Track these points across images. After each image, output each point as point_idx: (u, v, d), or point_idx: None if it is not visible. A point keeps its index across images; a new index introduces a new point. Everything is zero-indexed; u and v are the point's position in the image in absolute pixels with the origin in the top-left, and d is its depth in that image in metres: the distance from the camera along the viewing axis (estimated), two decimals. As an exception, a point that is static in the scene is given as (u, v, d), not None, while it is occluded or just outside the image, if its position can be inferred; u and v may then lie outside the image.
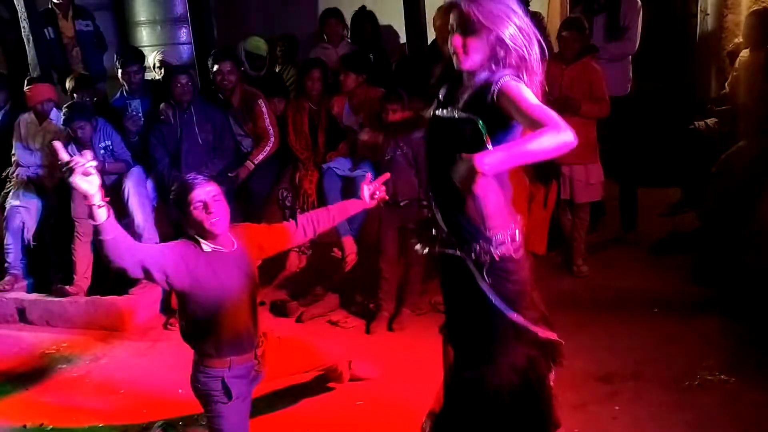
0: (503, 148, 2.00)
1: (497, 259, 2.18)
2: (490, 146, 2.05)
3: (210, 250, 2.73)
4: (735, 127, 4.74)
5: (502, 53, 2.08)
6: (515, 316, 2.20)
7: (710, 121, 5.09)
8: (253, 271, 2.88)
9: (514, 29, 2.08)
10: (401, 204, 4.33)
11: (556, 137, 1.88)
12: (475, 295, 2.21)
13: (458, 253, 2.22)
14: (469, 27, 2.09)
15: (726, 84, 5.14)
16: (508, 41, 2.07)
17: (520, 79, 2.09)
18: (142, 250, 2.67)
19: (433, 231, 2.30)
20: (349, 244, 4.54)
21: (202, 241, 2.73)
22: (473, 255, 2.19)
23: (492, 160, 1.88)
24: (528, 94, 2.04)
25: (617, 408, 3.17)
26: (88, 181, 2.33)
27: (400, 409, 3.28)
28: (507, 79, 2.06)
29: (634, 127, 4.91)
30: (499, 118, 2.08)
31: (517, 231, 2.23)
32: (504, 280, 2.20)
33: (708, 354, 3.57)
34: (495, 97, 2.05)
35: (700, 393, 3.25)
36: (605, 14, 4.88)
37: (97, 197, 2.36)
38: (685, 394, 3.25)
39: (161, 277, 2.64)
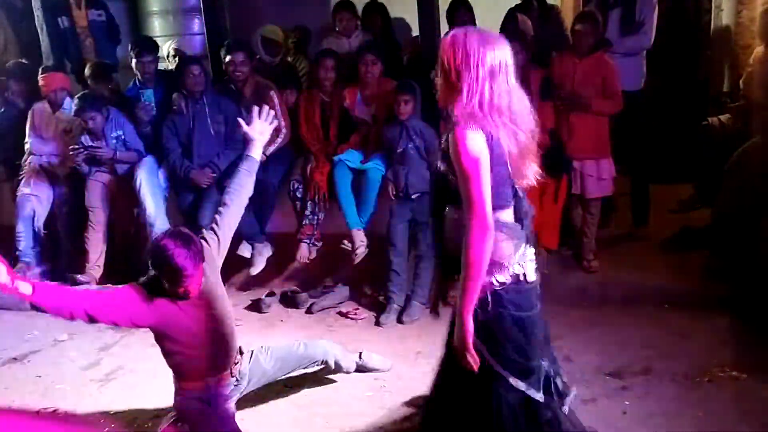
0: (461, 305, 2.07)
1: (496, 286, 2.14)
2: None
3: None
4: (749, 124, 4.71)
5: (465, 99, 2.04)
6: (493, 362, 2.16)
7: (724, 117, 5.06)
8: (218, 298, 2.88)
9: (482, 74, 2.02)
10: (412, 197, 4.33)
11: (477, 244, 2.00)
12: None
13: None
14: (441, 67, 2.09)
15: (740, 80, 5.11)
16: (468, 87, 2.03)
17: (480, 127, 2.03)
18: (90, 299, 2.70)
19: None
20: (359, 236, 4.54)
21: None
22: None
23: (462, 324, 2.05)
24: (469, 153, 2.00)
25: (627, 403, 3.17)
26: None
27: (409, 400, 3.30)
28: (457, 129, 2.03)
29: (646, 123, 4.88)
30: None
31: (522, 271, 2.18)
32: (494, 318, 2.15)
33: (718, 350, 3.57)
34: (446, 147, 2.06)
35: (711, 389, 3.25)
36: (620, 8, 4.85)
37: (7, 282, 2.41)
38: (696, 390, 3.25)
39: (123, 320, 2.73)
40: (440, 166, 2.15)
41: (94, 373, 3.87)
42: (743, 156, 4.38)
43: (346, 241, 4.58)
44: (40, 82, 5.10)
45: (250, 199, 4.65)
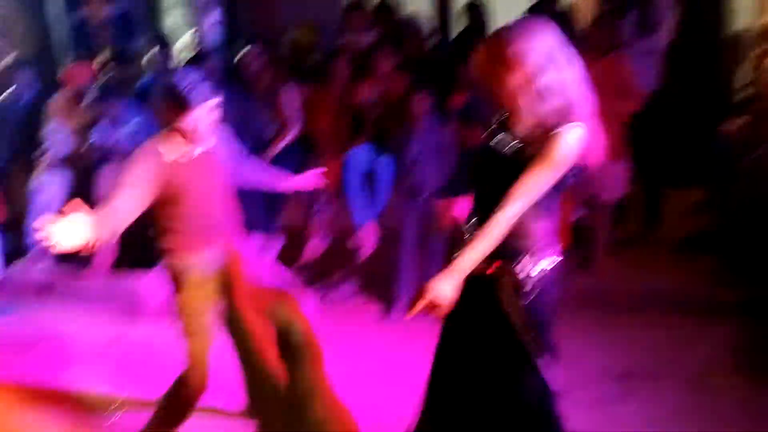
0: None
1: (533, 278, 2.11)
2: None
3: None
4: (763, 129, 4.67)
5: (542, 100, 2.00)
6: (532, 348, 2.13)
7: (741, 121, 5.02)
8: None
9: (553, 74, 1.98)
10: (423, 194, 4.33)
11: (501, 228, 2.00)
12: (491, 322, 2.15)
13: (492, 269, 2.12)
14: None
15: (757, 85, 5.07)
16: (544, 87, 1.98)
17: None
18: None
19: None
20: (368, 231, 4.54)
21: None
22: (511, 272, 2.10)
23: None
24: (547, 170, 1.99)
25: (634, 407, 3.16)
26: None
27: (417, 394, 3.29)
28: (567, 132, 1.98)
29: (660, 125, 4.85)
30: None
31: (557, 260, 2.17)
32: (533, 303, 2.12)
33: (727, 355, 3.55)
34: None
35: (718, 394, 3.23)
36: (637, 9, 4.83)
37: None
38: (703, 395, 3.23)
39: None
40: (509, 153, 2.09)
41: (100, 365, 3.90)
42: (758, 160, 4.34)
43: (355, 237, 4.59)
44: (66, 73, 5.12)
45: (262, 192, 4.68)
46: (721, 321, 3.85)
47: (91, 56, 5.45)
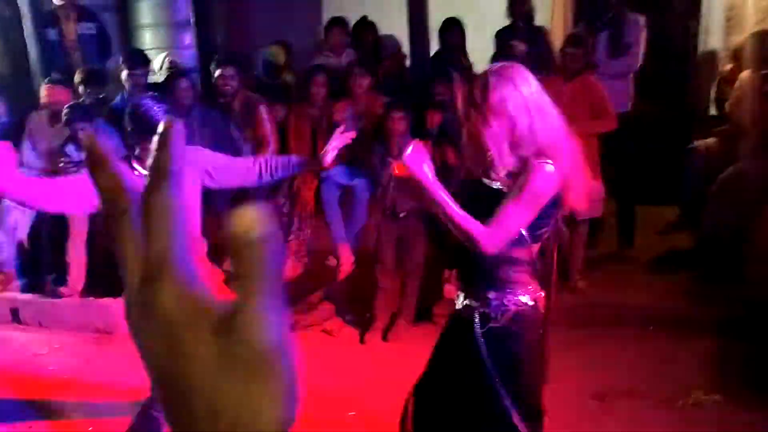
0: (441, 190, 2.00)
1: (511, 313, 2.06)
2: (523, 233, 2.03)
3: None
4: (734, 148, 4.75)
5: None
6: (507, 402, 2.06)
7: (710, 140, 5.10)
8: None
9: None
10: (400, 215, 4.32)
11: (475, 236, 1.96)
12: (472, 364, 2.09)
13: (471, 304, 2.10)
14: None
15: (726, 104, 5.16)
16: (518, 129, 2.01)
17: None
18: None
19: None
20: (345, 252, 4.53)
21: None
22: (486, 307, 2.08)
23: (422, 172, 1.96)
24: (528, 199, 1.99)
25: (612, 425, 3.16)
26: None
27: (393, 421, 3.26)
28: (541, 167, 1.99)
29: (633, 145, 4.91)
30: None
31: (540, 298, 2.13)
32: (509, 342, 2.08)
33: (703, 373, 3.56)
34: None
35: (694, 412, 3.24)
36: (608, 31, 4.90)
37: None
38: (680, 413, 3.24)
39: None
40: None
41: (74, 388, 3.81)
42: (728, 179, 4.41)
43: (332, 258, 4.56)
44: (43, 92, 5.06)
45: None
46: (697, 339, 3.88)
47: (64, 77, 5.39)
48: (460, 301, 2.15)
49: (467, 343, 2.09)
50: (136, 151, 2.64)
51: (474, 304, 2.10)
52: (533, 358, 2.13)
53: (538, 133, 2.00)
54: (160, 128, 0.49)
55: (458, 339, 2.16)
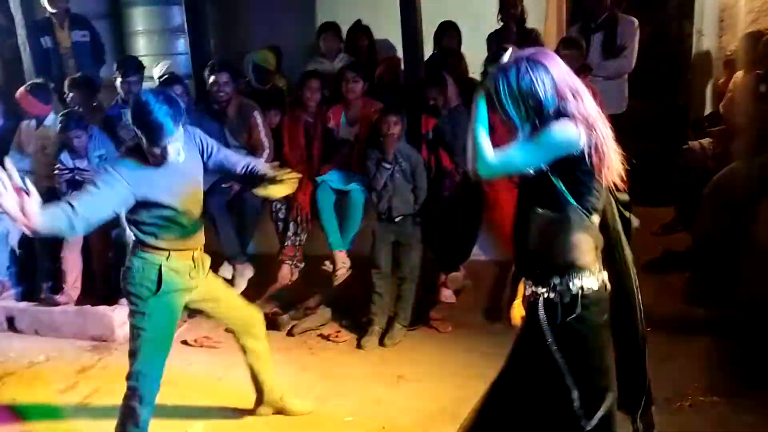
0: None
1: (575, 296, 2.09)
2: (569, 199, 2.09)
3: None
4: (728, 148, 4.76)
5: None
6: (567, 374, 2.10)
7: (705, 141, 5.11)
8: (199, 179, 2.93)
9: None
10: (396, 220, 4.32)
11: (478, 153, 2.07)
12: (539, 348, 2.13)
13: (536, 290, 2.15)
14: None
15: (720, 105, 5.17)
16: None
17: None
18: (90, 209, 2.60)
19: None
20: (341, 257, 4.52)
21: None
22: (551, 292, 2.11)
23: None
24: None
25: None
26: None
27: (389, 425, 3.26)
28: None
29: (627, 146, 4.91)
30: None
31: (603, 277, 2.16)
32: (572, 326, 2.10)
33: (699, 375, 3.56)
34: None
35: (691, 414, 3.24)
36: (602, 32, 4.92)
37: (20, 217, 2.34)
38: (676, 415, 3.23)
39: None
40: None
41: (70, 396, 3.81)
42: (723, 180, 4.41)
43: (328, 263, 4.56)
44: (17, 96, 5.06)
45: (232, 219, 4.63)
46: (693, 340, 3.88)
47: (58, 84, 5.39)
48: (529, 290, 2.19)
49: (534, 329, 2.14)
50: (145, 144, 2.66)
51: (540, 290, 2.14)
52: (599, 342, 2.15)
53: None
54: None
55: (527, 326, 2.21)
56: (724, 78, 5.37)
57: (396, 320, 4.29)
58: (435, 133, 4.57)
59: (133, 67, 5.11)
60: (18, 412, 3.64)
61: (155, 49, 6.25)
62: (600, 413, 2.15)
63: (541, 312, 2.12)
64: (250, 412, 3.40)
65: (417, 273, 4.34)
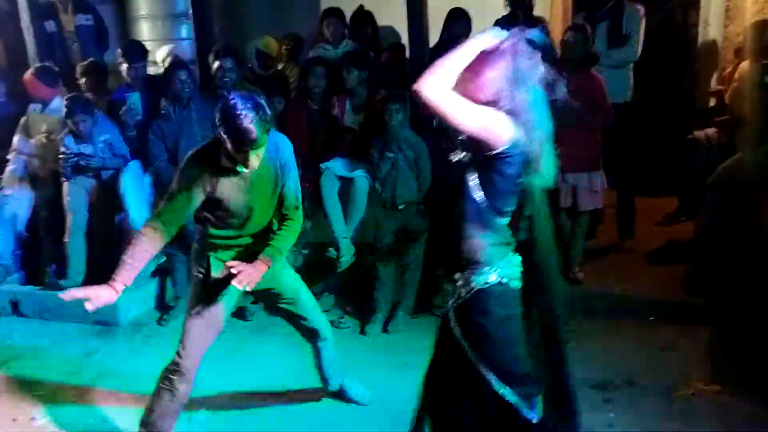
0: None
1: (476, 290, 2.15)
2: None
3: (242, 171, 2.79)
4: (733, 138, 4.75)
5: None
6: (477, 360, 2.16)
7: (710, 131, 5.10)
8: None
9: None
10: (399, 207, 4.33)
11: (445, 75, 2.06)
12: (451, 342, 2.21)
13: (447, 287, 2.25)
14: None
15: (726, 95, 5.16)
16: None
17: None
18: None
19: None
20: (345, 244, 4.53)
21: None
22: (456, 288, 2.19)
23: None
24: None
25: (611, 415, 3.18)
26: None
27: (393, 410, 3.28)
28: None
29: (632, 135, 4.91)
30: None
31: (509, 272, 2.19)
32: (473, 316, 2.17)
33: (702, 364, 3.58)
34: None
35: (694, 402, 3.26)
36: (608, 21, 4.89)
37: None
38: (679, 403, 3.25)
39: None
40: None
41: (76, 379, 3.82)
42: (728, 170, 4.41)
43: (332, 249, 4.56)
44: (28, 86, 5.05)
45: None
46: (696, 329, 3.90)
47: (61, 68, 5.38)
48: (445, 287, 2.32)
49: (447, 323, 2.23)
50: (228, 147, 2.69)
51: (449, 287, 2.24)
52: (506, 333, 2.18)
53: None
54: None
55: (443, 321, 2.30)
56: (730, 68, 5.35)
57: (399, 307, 4.30)
58: (439, 121, 4.55)
59: (138, 52, 5.08)
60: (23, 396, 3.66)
61: (159, 35, 6.22)
62: (539, 402, 2.22)
63: (450, 304, 2.22)
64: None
65: (421, 261, 4.35)
